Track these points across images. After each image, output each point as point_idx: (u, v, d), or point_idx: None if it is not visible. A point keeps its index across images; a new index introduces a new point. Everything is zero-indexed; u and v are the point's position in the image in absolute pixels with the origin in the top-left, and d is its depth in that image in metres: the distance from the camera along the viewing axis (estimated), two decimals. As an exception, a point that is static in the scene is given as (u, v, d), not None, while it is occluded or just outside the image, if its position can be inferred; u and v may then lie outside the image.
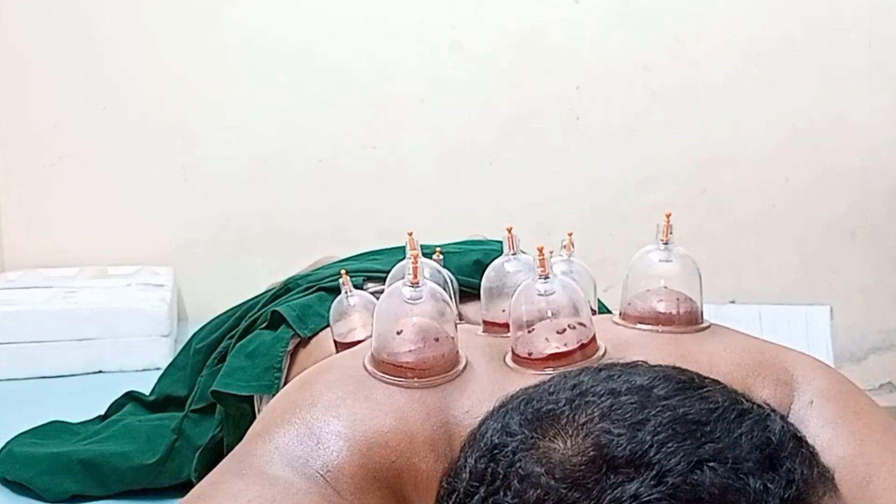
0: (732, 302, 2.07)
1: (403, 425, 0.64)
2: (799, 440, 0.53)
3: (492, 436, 0.54)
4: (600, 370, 0.56)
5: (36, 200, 1.90)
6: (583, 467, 0.49)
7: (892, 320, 2.10)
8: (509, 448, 0.52)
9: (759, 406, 0.54)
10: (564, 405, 0.53)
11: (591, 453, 0.49)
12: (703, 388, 0.54)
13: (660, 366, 0.57)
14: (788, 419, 0.65)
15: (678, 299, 0.73)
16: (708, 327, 0.74)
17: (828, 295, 2.08)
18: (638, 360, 0.58)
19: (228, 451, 0.80)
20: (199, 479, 0.81)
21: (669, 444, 0.48)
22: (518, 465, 0.51)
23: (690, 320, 0.73)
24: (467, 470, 0.54)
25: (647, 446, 0.48)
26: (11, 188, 1.89)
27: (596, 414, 0.51)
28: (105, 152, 1.90)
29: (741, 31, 1.98)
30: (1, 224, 1.89)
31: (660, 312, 0.73)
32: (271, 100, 1.91)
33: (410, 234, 0.84)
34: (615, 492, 0.47)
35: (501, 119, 1.98)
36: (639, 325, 0.73)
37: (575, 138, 2.00)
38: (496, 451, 0.53)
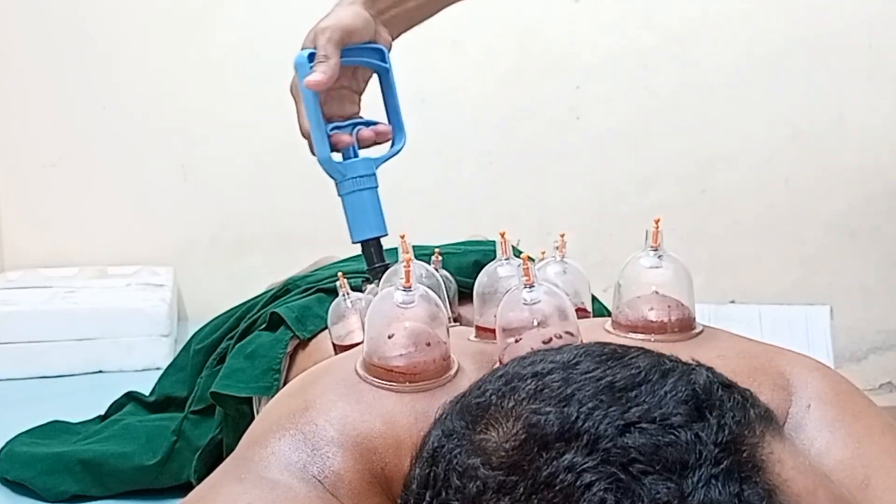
0: (732, 302, 2.07)
1: (391, 430, 0.64)
2: (728, 387, 0.52)
3: (433, 442, 0.54)
4: (525, 357, 0.57)
5: (36, 200, 1.91)
6: (516, 451, 0.49)
7: (892, 320, 2.10)
8: (446, 448, 0.53)
9: (684, 363, 0.54)
10: (492, 395, 0.54)
11: (523, 436, 0.50)
12: (626, 357, 0.54)
13: (584, 343, 0.57)
14: (786, 424, 0.65)
15: (669, 306, 0.73)
16: (701, 332, 0.74)
17: (828, 295, 2.08)
18: (564, 345, 0.59)
19: (228, 453, 0.80)
20: (199, 480, 0.81)
21: (597, 413, 0.49)
22: (455, 462, 0.51)
23: (683, 327, 0.73)
24: (415, 480, 0.54)
25: (574, 418, 0.49)
26: (11, 188, 1.89)
27: (523, 397, 0.52)
28: (105, 152, 1.91)
29: (741, 31, 1.98)
30: (1, 224, 1.89)
31: (651, 321, 0.72)
32: (271, 100, 1.90)
33: (403, 237, 0.84)
34: (550, 467, 0.47)
35: (501, 119, 1.98)
36: (630, 334, 0.73)
37: (575, 138, 2.00)
38: (436, 455, 0.53)
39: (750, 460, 0.48)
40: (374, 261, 0.92)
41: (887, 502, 0.60)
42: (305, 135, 0.97)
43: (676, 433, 0.48)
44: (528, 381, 0.53)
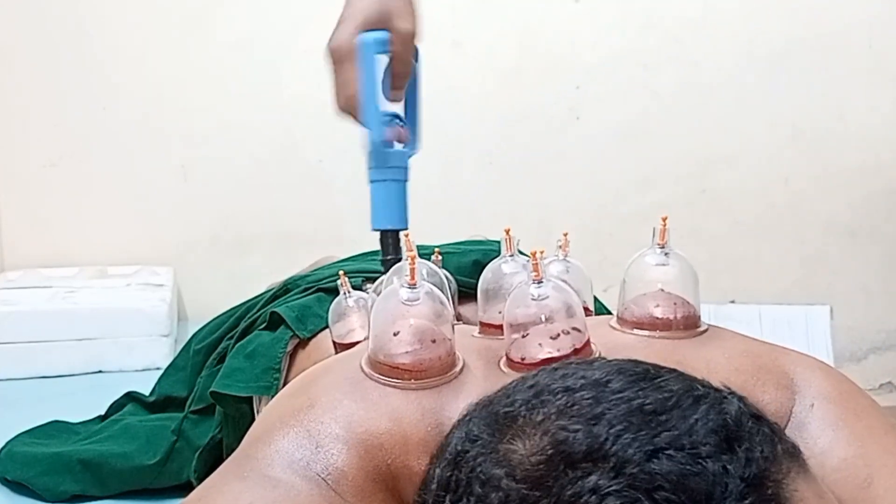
0: (732, 302, 2.07)
1: (398, 427, 0.64)
2: (758, 419, 0.52)
3: (456, 444, 0.54)
4: (556, 369, 0.56)
5: (36, 200, 1.91)
6: (542, 466, 0.49)
7: (892, 320, 2.10)
8: (471, 454, 0.52)
9: (716, 390, 0.54)
10: (521, 406, 0.53)
11: (549, 451, 0.49)
12: (658, 378, 0.53)
13: (616, 360, 0.57)
14: (790, 423, 0.65)
15: (675, 304, 0.73)
16: (705, 331, 0.73)
17: (828, 295, 2.08)
18: (596, 357, 0.58)
19: (228, 452, 0.80)
20: (199, 480, 0.81)
21: (625, 436, 0.48)
22: (479, 469, 0.51)
23: (688, 325, 0.73)
24: (434, 480, 0.54)
25: (603, 439, 0.48)
26: (11, 188, 1.89)
27: (552, 412, 0.51)
28: (105, 152, 1.90)
29: (741, 31, 1.98)
30: (1, 224, 1.89)
31: (657, 318, 0.72)
32: (271, 100, 1.91)
33: (406, 236, 0.84)
34: (574, 487, 0.47)
35: (501, 119, 1.98)
36: (635, 331, 0.73)
37: (575, 138, 2.00)
38: (459, 459, 0.53)
39: (774, 498, 0.48)
40: (388, 251, 0.93)
41: (889, 502, 0.61)
42: (346, 108, 0.93)
43: (704, 463, 0.47)
44: (559, 396, 0.52)
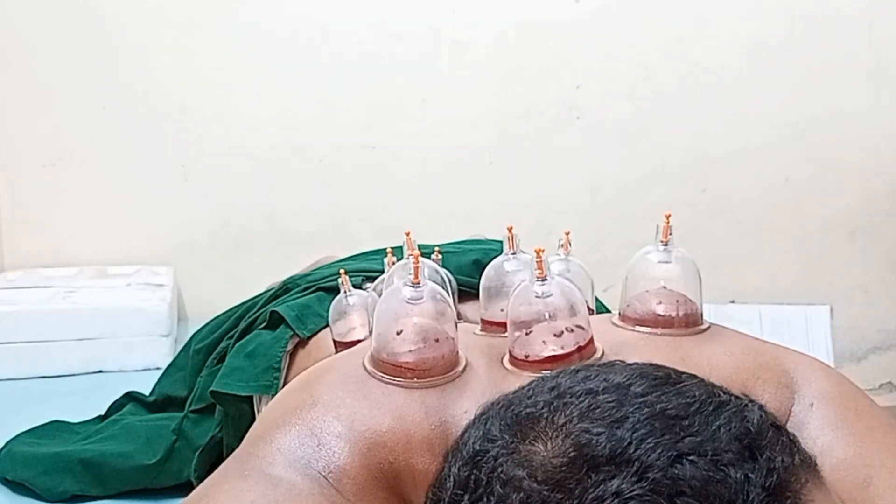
0: (732, 302, 2.07)
1: (401, 425, 0.64)
2: (778, 429, 0.52)
3: (473, 443, 0.54)
4: (578, 371, 0.56)
5: (36, 200, 1.90)
6: (564, 468, 0.49)
7: (892, 320, 2.10)
8: (491, 454, 0.52)
9: (736, 397, 0.54)
10: (543, 408, 0.53)
11: (572, 454, 0.49)
12: (680, 384, 0.54)
13: (637, 363, 0.57)
14: (789, 422, 0.65)
15: (678, 301, 0.73)
16: (707, 329, 0.74)
17: (828, 295, 2.08)
18: (615, 360, 0.59)
19: (228, 452, 0.80)
20: (199, 479, 0.81)
21: (649, 440, 0.48)
22: (500, 470, 0.51)
23: (690, 322, 0.73)
24: (451, 479, 0.54)
25: (626, 443, 0.49)
26: (11, 188, 1.89)
27: (575, 414, 0.52)
28: (105, 152, 1.90)
29: (741, 31, 1.98)
30: (1, 224, 1.89)
31: (659, 315, 0.73)
32: (271, 99, 1.91)
33: (408, 234, 0.84)
34: (597, 490, 0.47)
35: (501, 119, 1.98)
36: (637, 328, 0.73)
37: (575, 138, 2.00)
38: (478, 458, 0.53)
39: None
40: None
41: (888, 501, 0.61)
42: None
43: (727, 471, 0.48)
44: (581, 398, 0.53)
